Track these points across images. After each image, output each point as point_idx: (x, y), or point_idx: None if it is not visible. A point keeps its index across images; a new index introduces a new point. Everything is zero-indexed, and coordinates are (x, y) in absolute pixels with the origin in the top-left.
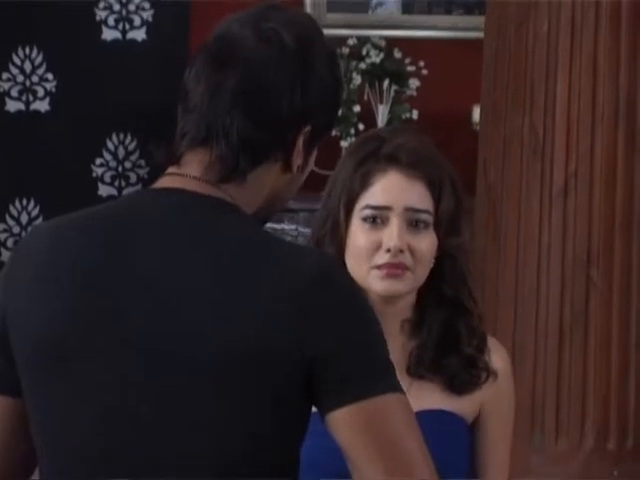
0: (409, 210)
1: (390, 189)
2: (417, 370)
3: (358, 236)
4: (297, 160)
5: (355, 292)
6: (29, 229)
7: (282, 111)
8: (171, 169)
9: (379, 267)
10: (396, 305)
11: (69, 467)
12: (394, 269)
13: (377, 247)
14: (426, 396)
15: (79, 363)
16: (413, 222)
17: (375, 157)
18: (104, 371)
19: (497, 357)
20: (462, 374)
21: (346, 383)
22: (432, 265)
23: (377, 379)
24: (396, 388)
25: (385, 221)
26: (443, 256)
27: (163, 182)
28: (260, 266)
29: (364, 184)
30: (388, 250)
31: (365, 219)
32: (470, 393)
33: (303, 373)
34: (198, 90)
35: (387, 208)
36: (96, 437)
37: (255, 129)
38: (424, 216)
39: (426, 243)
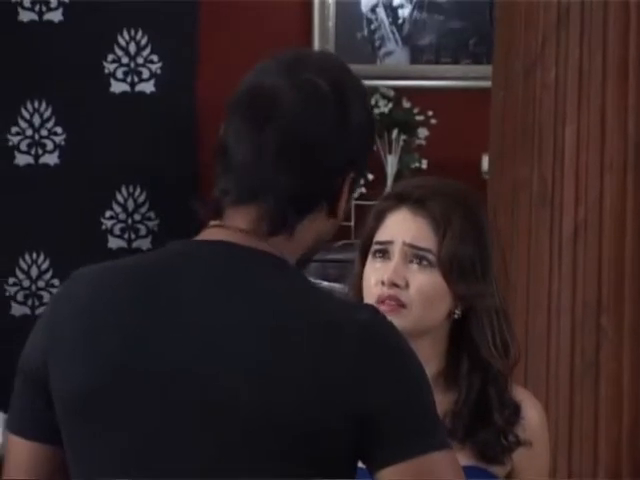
0: (408, 246)
1: (395, 224)
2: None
3: (368, 272)
4: (342, 207)
5: (405, 350)
6: (40, 282)
7: (328, 162)
8: (214, 222)
9: (377, 301)
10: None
11: None
12: (387, 300)
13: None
14: (457, 454)
15: (120, 417)
16: (414, 259)
17: (390, 197)
18: (146, 427)
19: (531, 411)
20: (493, 447)
21: (396, 441)
22: (446, 311)
23: (427, 436)
24: (446, 445)
25: (392, 257)
26: (468, 309)
27: (208, 234)
28: (311, 324)
29: (377, 222)
30: (383, 283)
31: (374, 254)
32: (501, 464)
33: (352, 432)
34: (240, 149)
35: (389, 242)
36: None
37: (303, 183)
38: (423, 253)
39: (424, 280)
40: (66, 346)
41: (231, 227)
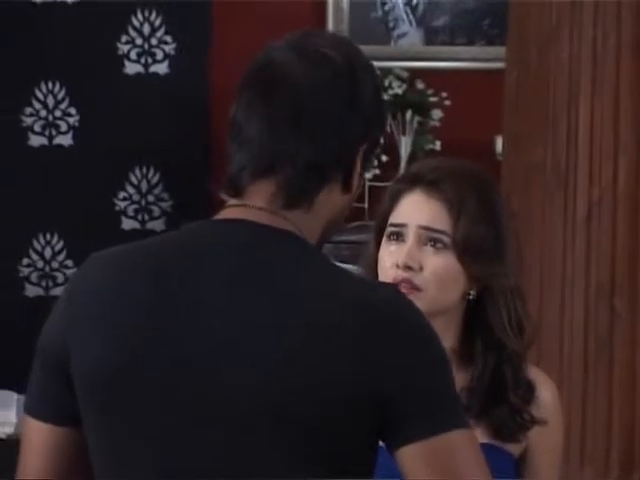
0: (422, 228)
1: (409, 207)
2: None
3: (383, 255)
4: (356, 179)
5: (426, 328)
6: (53, 263)
7: (342, 130)
8: (233, 201)
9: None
10: None
11: None
12: (402, 284)
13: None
14: None
15: (139, 400)
16: (428, 241)
17: (404, 179)
18: (165, 409)
19: (545, 391)
20: (508, 424)
21: (416, 420)
22: (461, 292)
23: (446, 416)
24: (464, 424)
25: (406, 240)
26: (483, 290)
27: (227, 213)
28: (331, 303)
29: (392, 204)
30: (398, 266)
31: (389, 237)
32: (516, 442)
33: (373, 411)
34: (253, 123)
35: (404, 225)
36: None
37: (319, 150)
38: (438, 235)
39: (438, 262)
40: (83, 329)
41: (250, 205)
